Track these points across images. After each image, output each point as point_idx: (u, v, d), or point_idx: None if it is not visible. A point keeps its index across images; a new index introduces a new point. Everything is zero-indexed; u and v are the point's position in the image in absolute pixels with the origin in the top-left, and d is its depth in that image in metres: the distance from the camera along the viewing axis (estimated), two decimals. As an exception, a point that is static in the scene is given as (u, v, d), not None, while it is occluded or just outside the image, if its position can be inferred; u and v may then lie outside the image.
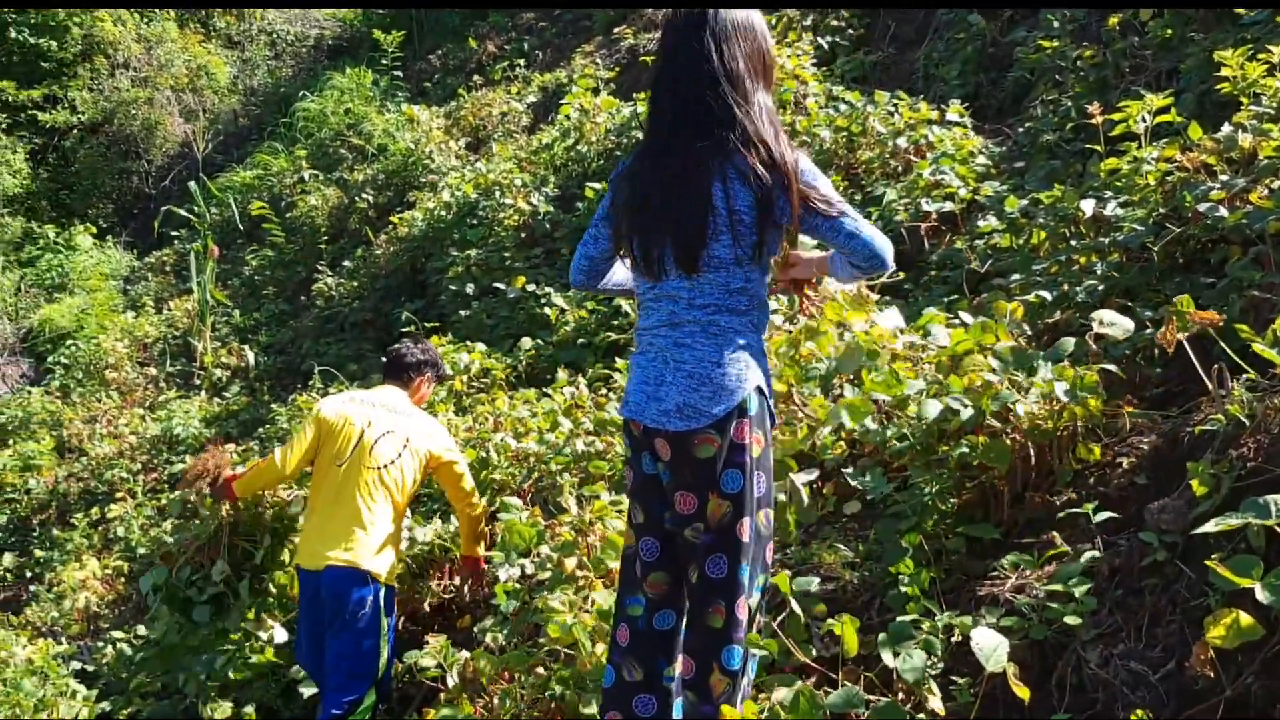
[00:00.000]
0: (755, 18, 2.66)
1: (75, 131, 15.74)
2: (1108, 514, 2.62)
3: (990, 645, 2.19)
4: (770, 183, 2.52)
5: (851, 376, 4.10)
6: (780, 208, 2.56)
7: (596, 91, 9.31)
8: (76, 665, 6.07)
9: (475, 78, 12.81)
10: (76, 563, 7.50)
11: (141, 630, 6.30)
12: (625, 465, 2.87)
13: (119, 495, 8.31)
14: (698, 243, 2.56)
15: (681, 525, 2.66)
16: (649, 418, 2.63)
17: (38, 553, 8.09)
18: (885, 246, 2.58)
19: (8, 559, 8.11)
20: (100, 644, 6.40)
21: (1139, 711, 1.95)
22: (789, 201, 2.54)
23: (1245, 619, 1.87)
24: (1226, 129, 3.96)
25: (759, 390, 2.62)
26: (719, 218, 2.54)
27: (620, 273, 3.05)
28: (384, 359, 4.86)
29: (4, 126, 15.48)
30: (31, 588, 7.65)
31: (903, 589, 2.87)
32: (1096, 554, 2.55)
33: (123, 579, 7.38)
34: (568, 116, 9.07)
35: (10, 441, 9.86)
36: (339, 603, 4.12)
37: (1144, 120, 4.38)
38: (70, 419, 9.97)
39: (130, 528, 7.77)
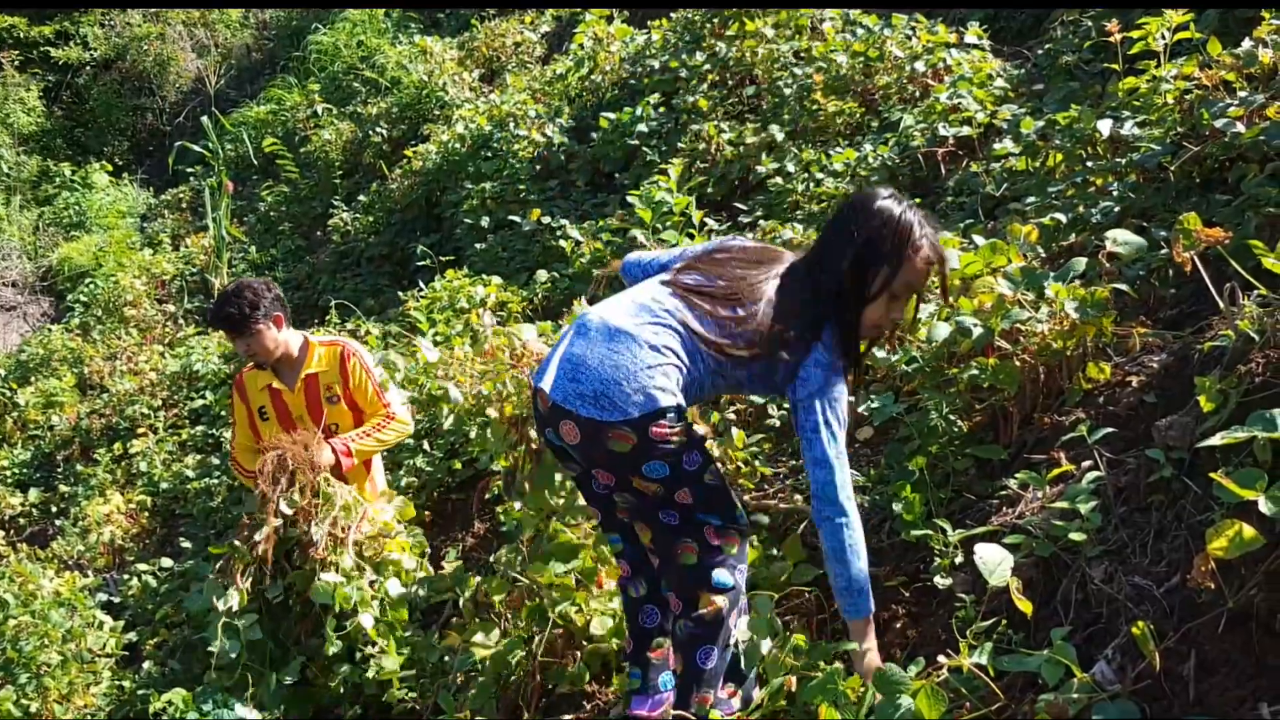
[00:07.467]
0: None
1: (88, 68, 15.65)
2: (1108, 429, 2.60)
3: (994, 560, 2.19)
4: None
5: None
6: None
7: (610, 20, 9.17)
8: (103, 597, 6.17)
9: (488, 8, 12.63)
10: (101, 497, 7.60)
11: (166, 562, 6.41)
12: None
13: (140, 431, 8.42)
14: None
15: (610, 493, 2.61)
16: (560, 395, 2.47)
17: (62, 488, 8.21)
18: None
19: (33, 494, 8.22)
20: (126, 576, 6.52)
21: (1139, 624, 1.95)
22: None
23: (1248, 530, 1.86)
24: (1247, 44, 3.87)
25: (679, 408, 2.49)
26: None
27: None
28: None
29: (17, 64, 15.40)
30: (57, 522, 7.77)
31: (903, 515, 2.87)
32: (1100, 473, 2.54)
33: (146, 513, 7.49)
34: (581, 46, 8.95)
35: (32, 379, 9.95)
36: None
37: (1163, 38, 4.28)
38: (91, 356, 10.05)
39: (152, 463, 7.87)
